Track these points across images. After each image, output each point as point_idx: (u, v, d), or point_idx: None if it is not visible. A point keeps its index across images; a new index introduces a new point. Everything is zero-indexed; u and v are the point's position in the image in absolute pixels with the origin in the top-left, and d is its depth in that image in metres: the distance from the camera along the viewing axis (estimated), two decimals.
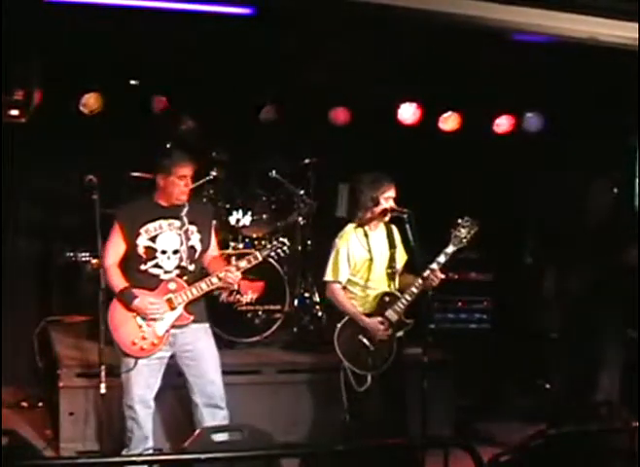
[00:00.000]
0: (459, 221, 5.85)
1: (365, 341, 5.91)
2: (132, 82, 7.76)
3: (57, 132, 7.84)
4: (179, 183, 5.76)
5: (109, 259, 5.76)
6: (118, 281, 5.72)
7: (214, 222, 6.10)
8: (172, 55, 7.39)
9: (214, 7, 6.25)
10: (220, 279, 5.76)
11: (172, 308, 5.74)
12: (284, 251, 5.95)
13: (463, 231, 5.83)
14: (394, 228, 6.09)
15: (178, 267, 5.78)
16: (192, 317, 5.77)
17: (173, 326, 5.75)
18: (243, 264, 5.81)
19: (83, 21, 6.63)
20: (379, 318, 5.90)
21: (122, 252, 5.78)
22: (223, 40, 7.23)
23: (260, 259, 5.86)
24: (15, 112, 6.72)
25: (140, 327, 5.70)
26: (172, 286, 5.75)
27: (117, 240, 5.79)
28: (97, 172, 5.77)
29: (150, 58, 7.43)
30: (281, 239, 5.95)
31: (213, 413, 5.82)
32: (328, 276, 6.05)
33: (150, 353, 5.71)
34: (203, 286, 5.76)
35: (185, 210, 5.82)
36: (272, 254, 5.94)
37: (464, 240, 5.83)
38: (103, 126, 7.85)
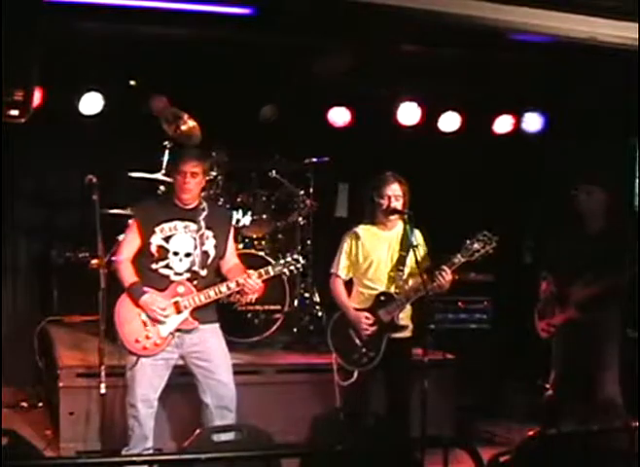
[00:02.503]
0: (477, 233, 5.77)
1: (354, 336, 5.92)
2: (132, 82, 7.76)
3: (57, 132, 7.85)
4: (179, 179, 5.77)
5: (122, 254, 5.80)
6: (129, 276, 5.75)
7: (232, 229, 6.07)
8: (172, 55, 7.39)
9: (214, 7, 6.26)
10: (238, 285, 5.76)
11: (178, 312, 5.74)
12: (297, 268, 5.94)
13: (477, 244, 5.75)
14: (417, 231, 5.95)
15: (189, 270, 5.78)
16: (196, 322, 5.76)
17: (178, 329, 5.75)
18: (255, 276, 5.78)
19: (83, 21, 6.63)
20: (366, 313, 5.90)
21: (135, 248, 5.81)
22: (223, 39, 7.23)
23: (272, 274, 5.85)
24: (15, 112, 6.70)
25: (145, 326, 5.71)
26: (181, 289, 5.75)
27: (132, 236, 5.83)
28: (97, 172, 5.78)
29: (150, 58, 7.44)
30: (295, 256, 5.91)
31: (223, 414, 5.80)
32: (332, 268, 6.06)
33: (152, 353, 5.72)
34: (212, 294, 5.76)
35: (204, 214, 5.82)
36: (285, 270, 5.91)
37: (475, 254, 5.73)
38: (103, 126, 7.86)
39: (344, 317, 5.98)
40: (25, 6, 5.84)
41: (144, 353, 5.71)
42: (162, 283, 5.76)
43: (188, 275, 5.78)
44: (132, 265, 5.80)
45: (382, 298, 5.93)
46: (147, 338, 5.71)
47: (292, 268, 5.88)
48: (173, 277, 5.77)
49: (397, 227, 6.01)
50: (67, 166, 7.97)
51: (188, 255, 5.79)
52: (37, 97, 7.06)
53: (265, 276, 5.82)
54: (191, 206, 5.84)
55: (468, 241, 5.75)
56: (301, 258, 5.92)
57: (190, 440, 4.90)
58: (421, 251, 5.90)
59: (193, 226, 5.81)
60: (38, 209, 8.25)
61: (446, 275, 5.73)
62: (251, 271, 5.83)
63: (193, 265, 5.78)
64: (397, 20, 6.07)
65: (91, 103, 7.70)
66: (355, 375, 5.88)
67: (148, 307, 5.68)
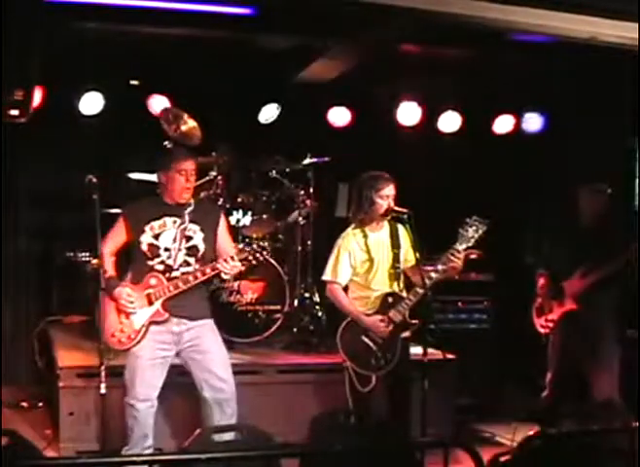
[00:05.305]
0: (467, 220, 5.81)
1: (368, 341, 5.88)
2: (132, 82, 7.77)
3: (57, 132, 7.85)
4: (179, 178, 5.78)
5: (106, 247, 5.78)
6: (108, 268, 5.74)
7: (222, 223, 6.01)
8: (172, 55, 7.40)
9: (214, 7, 6.27)
10: (213, 270, 5.72)
11: (150, 303, 5.75)
12: (262, 255, 5.81)
13: (470, 230, 5.79)
14: (400, 227, 6.02)
15: (183, 264, 5.77)
16: (167, 314, 5.75)
17: (152, 322, 5.75)
18: (229, 260, 5.70)
19: (83, 21, 6.64)
20: (379, 316, 5.88)
21: (120, 243, 5.84)
22: (223, 39, 7.23)
23: (243, 257, 5.74)
24: (15, 112, 6.70)
25: (120, 320, 5.74)
26: (153, 281, 5.76)
27: (118, 231, 5.84)
28: (97, 172, 5.78)
29: (150, 58, 7.44)
30: (262, 243, 5.85)
31: (222, 408, 5.80)
32: (327, 276, 6.03)
33: (126, 347, 5.73)
34: (180, 284, 5.74)
35: (189, 209, 5.82)
36: (250, 258, 5.78)
37: (472, 239, 5.77)
38: (103, 126, 7.87)
39: (354, 323, 5.93)
40: (25, 6, 5.85)
41: (120, 347, 5.74)
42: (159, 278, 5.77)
43: (184, 270, 5.77)
44: (120, 263, 5.83)
45: (390, 298, 5.92)
46: (121, 331, 5.73)
47: (257, 255, 5.75)
48: (168, 273, 5.76)
49: (385, 226, 6.03)
50: (67, 166, 7.96)
51: (179, 250, 5.79)
52: (37, 97, 7.07)
53: (237, 258, 5.69)
54: (181, 203, 5.85)
55: (461, 230, 5.79)
56: (267, 245, 5.88)
57: (190, 440, 4.90)
58: (409, 247, 5.98)
59: (179, 220, 5.82)
60: (38, 209, 8.25)
61: (451, 262, 5.78)
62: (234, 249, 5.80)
63: (184, 259, 5.77)
64: (397, 20, 6.08)
65: (91, 103, 7.70)
66: (374, 379, 5.86)
67: (119, 300, 5.72)
